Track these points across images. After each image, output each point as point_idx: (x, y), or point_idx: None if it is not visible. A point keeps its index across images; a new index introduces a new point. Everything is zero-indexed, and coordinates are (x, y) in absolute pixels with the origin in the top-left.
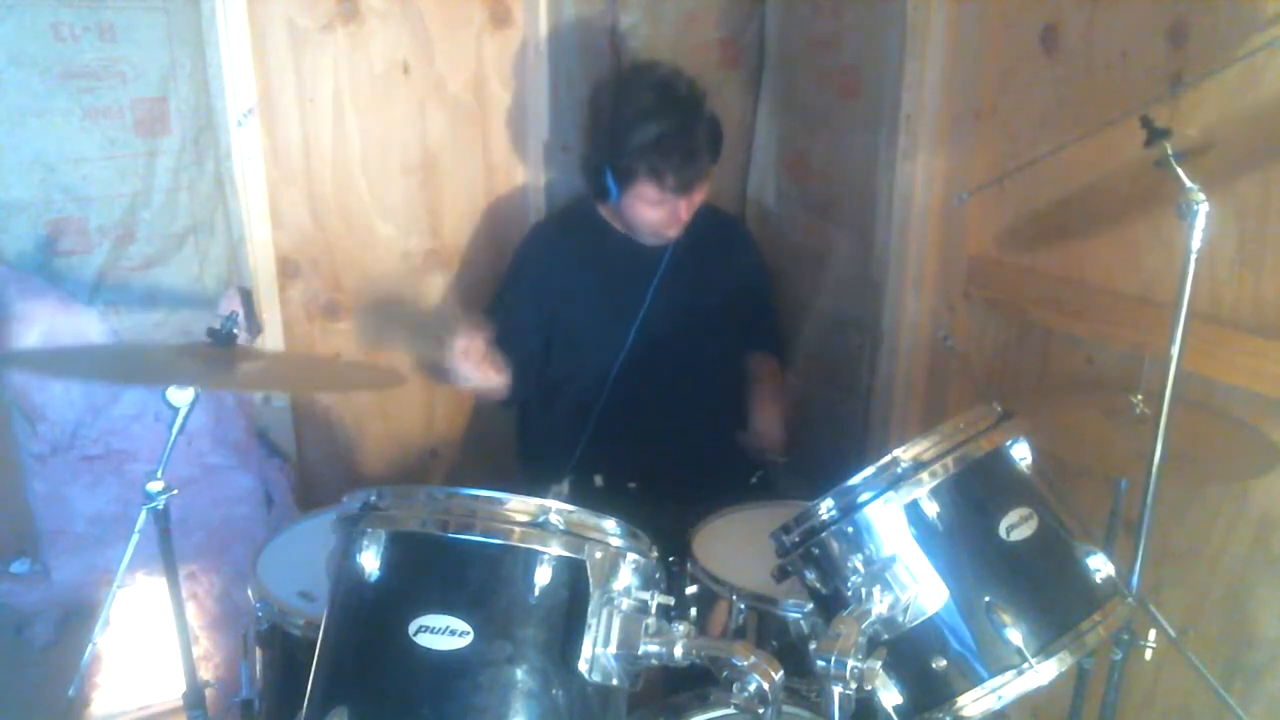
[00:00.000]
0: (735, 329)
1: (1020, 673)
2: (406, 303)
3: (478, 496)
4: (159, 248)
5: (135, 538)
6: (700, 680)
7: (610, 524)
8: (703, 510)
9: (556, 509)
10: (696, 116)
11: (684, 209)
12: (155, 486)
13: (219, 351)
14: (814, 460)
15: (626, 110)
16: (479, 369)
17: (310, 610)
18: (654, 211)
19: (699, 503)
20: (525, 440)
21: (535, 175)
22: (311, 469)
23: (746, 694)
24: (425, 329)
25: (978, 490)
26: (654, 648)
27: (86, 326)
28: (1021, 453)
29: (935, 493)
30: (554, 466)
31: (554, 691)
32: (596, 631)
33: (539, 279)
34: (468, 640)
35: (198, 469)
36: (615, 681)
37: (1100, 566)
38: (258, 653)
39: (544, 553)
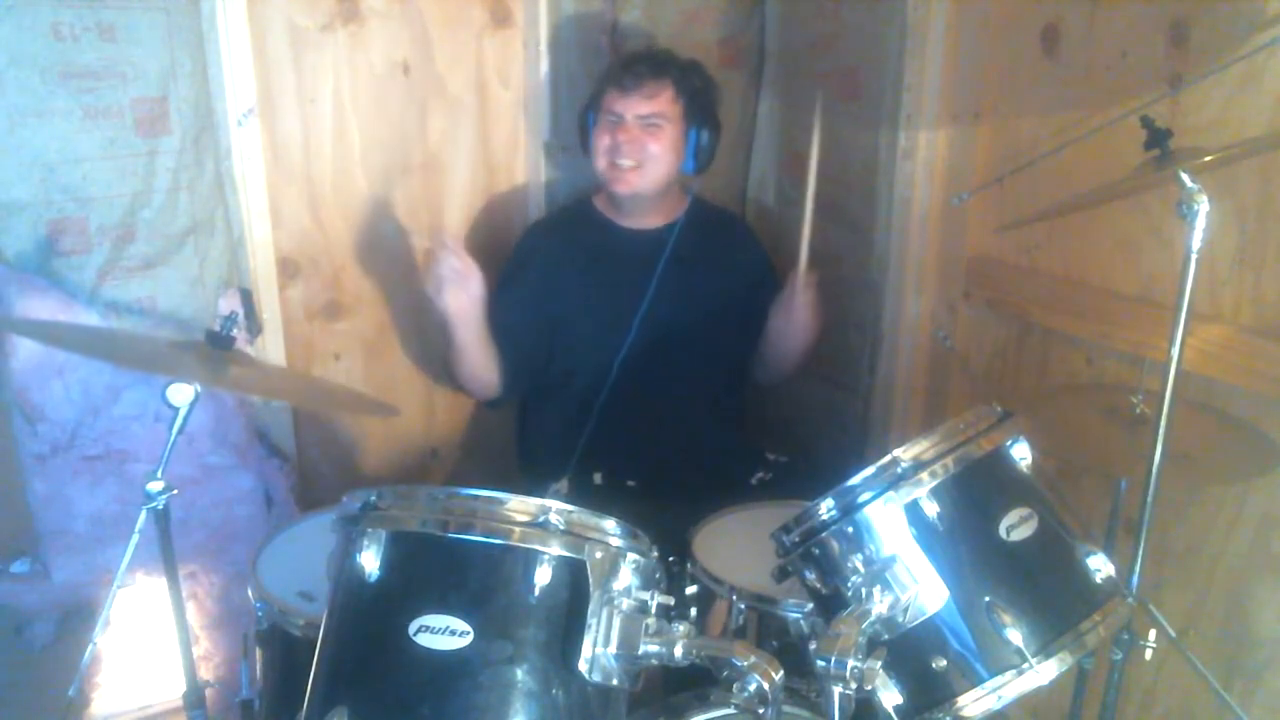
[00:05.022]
0: (738, 326)
1: (1020, 673)
2: (406, 303)
3: (478, 496)
4: (159, 248)
5: (135, 538)
6: (700, 680)
7: (610, 524)
8: (703, 509)
9: (556, 509)
10: (674, 52)
11: (628, 130)
12: (155, 486)
13: (217, 353)
14: (814, 460)
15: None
16: (450, 290)
17: (310, 610)
18: (605, 135)
19: (699, 502)
20: (525, 439)
21: (535, 175)
22: (311, 469)
23: (746, 694)
24: (423, 329)
25: (978, 490)
26: (654, 648)
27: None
28: (1021, 453)
29: (935, 493)
30: (554, 465)
31: (554, 691)
32: (596, 631)
33: (537, 277)
34: (468, 640)
35: (198, 469)
36: (615, 681)
37: (1100, 566)
38: (258, 653)
39: (544, 553)
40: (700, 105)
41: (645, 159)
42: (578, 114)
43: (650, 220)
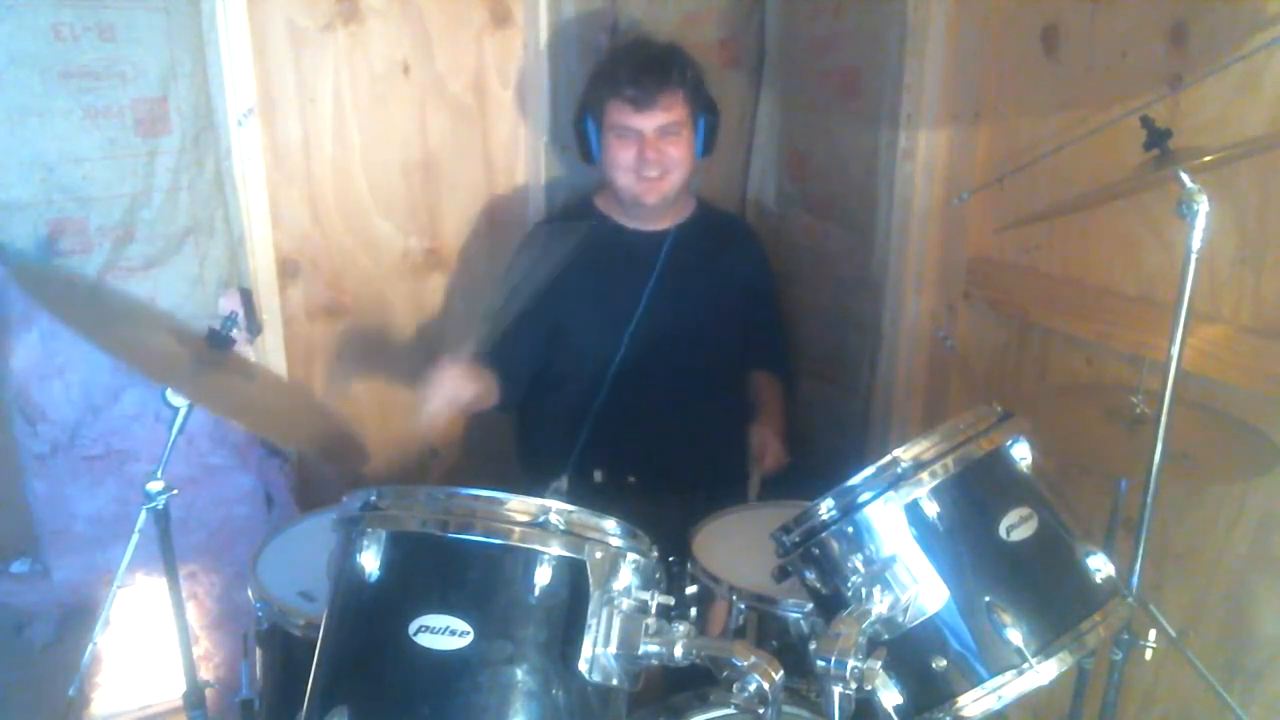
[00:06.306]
0: (738, 327)
1: (1020, 673)
2: (406, 303)
3: (478, 496)
4: (159, 248)
5: (135, 538)
6: (700, 680)
7: (610, 524)
8: (703, 509)
9: (556, 509)
10: (662, 47)
11: (651, 144)
12: (155, 486)
13: (215, 356)
14: (814, 460)
15: (604, 58)
16: (445, 397)
17: (310, 610)
18: (626, 150)
19: (699, 501)
20: (524, 438)
21: (535, 175)
22: (311, 469)
23: (746, 694)
24: (423, 331)
25: (978, 490)
26: (654, 648)
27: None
28: (1021, 453)
29: (935, 493)
30: (553, 464)
31: (554, 691)
32: (596, 631)
33: (539, 279)
34: (468, 640)
35: (198, 469)
36: (615, 681)
37: (1100, 566)
38: (258, 653)
39: (544, 553)
40: (700, 93)
41: (670, 166)
42: (573, 119)
43: (656, 223)
